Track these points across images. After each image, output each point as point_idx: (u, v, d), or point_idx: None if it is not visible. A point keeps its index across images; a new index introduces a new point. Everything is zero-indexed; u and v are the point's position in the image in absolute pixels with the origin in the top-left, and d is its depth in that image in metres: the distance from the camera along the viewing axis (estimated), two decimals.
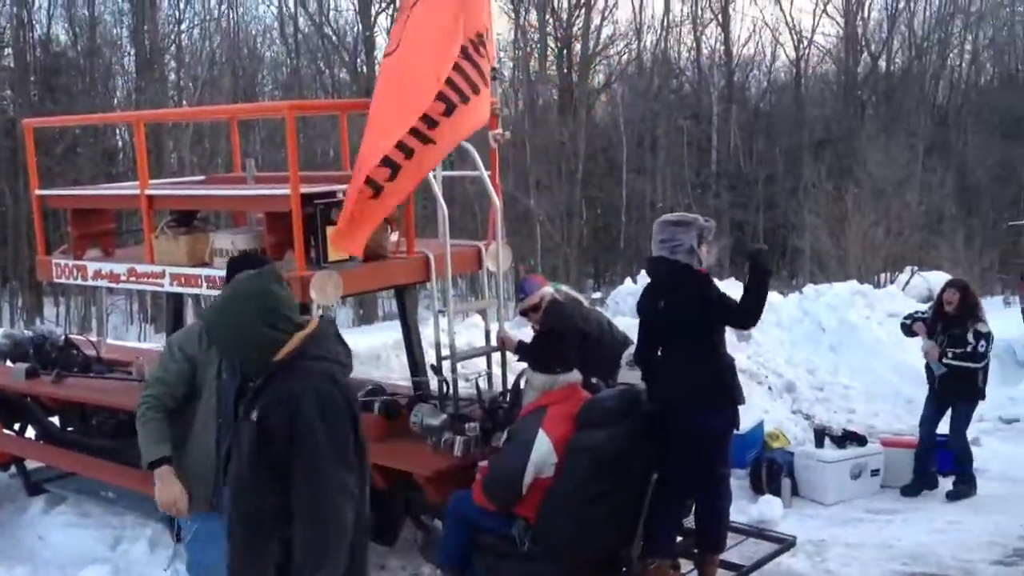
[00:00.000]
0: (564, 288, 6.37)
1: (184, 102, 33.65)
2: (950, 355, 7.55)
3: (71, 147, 30.89)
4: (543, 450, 4.81)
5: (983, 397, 7.69)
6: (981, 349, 7.46)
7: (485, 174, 6.26)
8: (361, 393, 5.94)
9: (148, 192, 6.37)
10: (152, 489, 6.40)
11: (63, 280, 6.95)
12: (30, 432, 7.75)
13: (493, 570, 5.00)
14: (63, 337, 7.97)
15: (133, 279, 6.45)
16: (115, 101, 34.08)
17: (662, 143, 35.57)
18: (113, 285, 6.67)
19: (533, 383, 5.03)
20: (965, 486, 7.51)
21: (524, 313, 6.23)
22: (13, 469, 7.45)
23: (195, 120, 27.49)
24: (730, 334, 10.24)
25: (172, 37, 35.45)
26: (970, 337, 7.47)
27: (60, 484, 7.18)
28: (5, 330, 9.18)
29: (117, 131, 32.65)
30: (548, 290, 6.22)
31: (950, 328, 7.62)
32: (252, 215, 6.69)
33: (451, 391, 6.03)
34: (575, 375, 5.08)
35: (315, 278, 5.48)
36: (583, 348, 5.79)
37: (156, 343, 19.55)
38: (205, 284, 6.06)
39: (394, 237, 6.39)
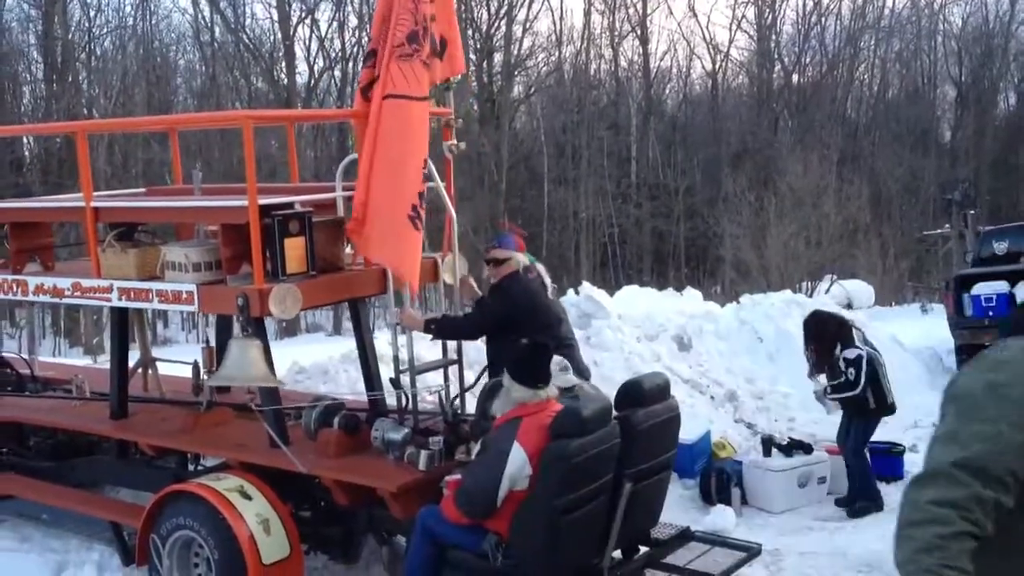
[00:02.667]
0: (540, 266, 6.30)
1: (95, 112, 32.75)
2: (829, 390, 7.65)
3: None
4: (518, 462, 4.76)
5: (889, 412, 7.70)
6: (851, 376, 7.47)
7: (441, 185, 6.21)
8: (319, 408, 5.85)
9: (94, 204, 6.18)
10: (97, 511, 6.25)
11: (0, 296, 6.67)
12: None
13: None
14: None
15: (78, 294, 6.23)
16: (21, 110, 33.02)
17: (583, 154, 35.86)
18: (57, 300, 6.44)
19: (511, 395, 4.97)
20: (867, 502, 7.50)
21: (487, 262, 6.14)
22: None
23: (135, 131, 26.62)
24: (671, 344, 10.41)
25: (83, 45, 34.49)
26: (841, 366, 7.54)
27: None
28: None
29: (25, 141, 31.65)
30: (522, 258, 6.15)
31: (826, 362, 7.71)
32: (200, 227, 6.52)
33: (412, 405, 5.96)
34: (552, 389, 5.05)
35: (274, 291, 5.37)
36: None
37: (73, 358, 18.96)
38: (156, 298, 5.89)
39: (349, 249, 6.31)
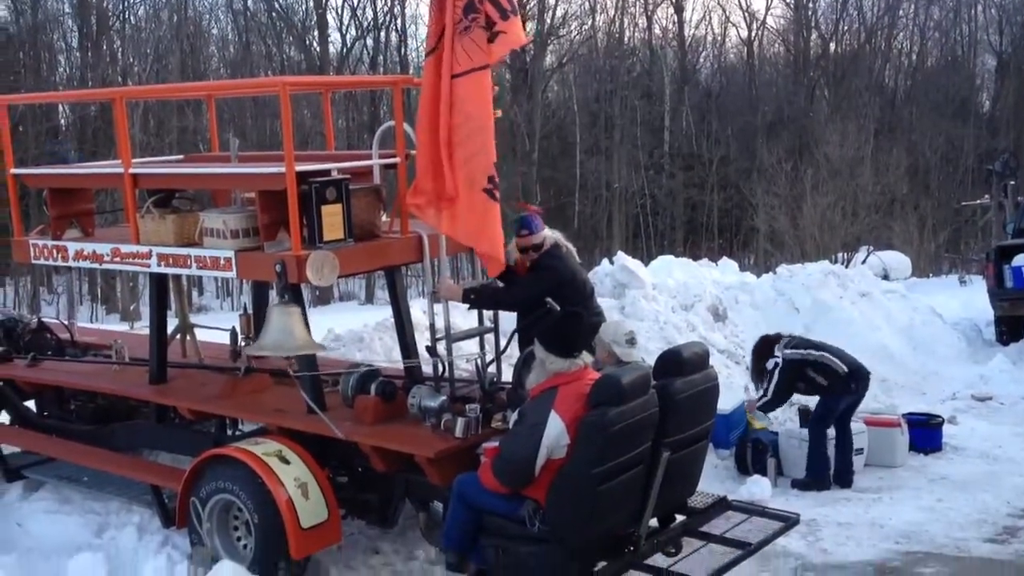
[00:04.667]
0: (558, 235, 6.28)
1: (129, 81, 32.90)
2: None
3: (14, 125, 30.00)
4: (555, 432, 4.75)
5: (854, 379, 7.52)
6: (759, 392, 7.71)
7: None
8: (356, 375, 5.87)
9: (132, 171, 6.20)
10: (137, 474, 6.31)
11: (41, 261, 6.73)
12: (3, 417, 7.54)
13: (502, 552, 4.93)
14: (36, 320, 7.76)
15: (117, 259, 6.28)
16: (56, 78, 33.25)
17: (616, 123, 35.59)
18: (96, 266, 6.48)
19: (547, 365, 4.95)
20: (811, 479, 7.43)
21: (524, 250, 6.08)
22: None
23: (172, 98, 26.69)
24: (706, 314, 10.35)
25: (117, 14, 34.61)
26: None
27: (39, 470, 6.98)
28: None
29: (61, 108, 31.90)
30: (550, 234, 6.13)
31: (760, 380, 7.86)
32: (237, 194, 6.51)
33: (448, 372, 5.96)
34: (587, 357, 5.03)
35: (311, 258, 5.37)
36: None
37: (110, 324, 19.18)
38: (195, 264, 5.92)
39: (385, 217, 6.29)
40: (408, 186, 5.86)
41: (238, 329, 6.82)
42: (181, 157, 8.01)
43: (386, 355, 8.35)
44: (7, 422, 7.49)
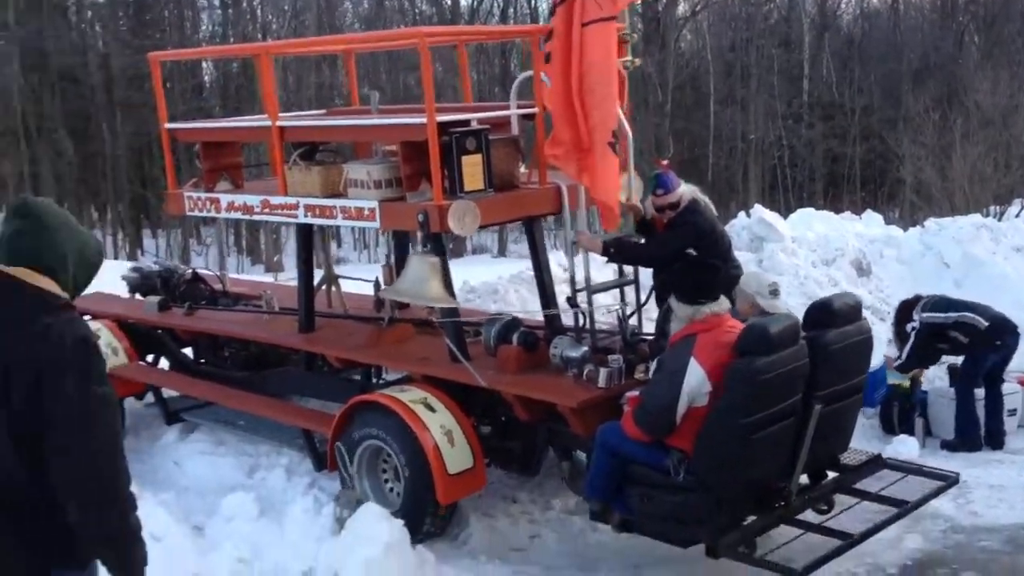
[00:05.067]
0: (696, 190, 6.14)
1: (268, 38, 33.73)
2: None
3: (163, 82, 31.15)
4: (695, 379, 4.69)
5: (998, 334, 7.25)
6: (898, 354, 7.57)
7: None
8: (498, 324, 5.91)
9: (279, 124, 6.35)
10: (290, 418, 6.52)
11: (195, 213, 6.98)
12: (164, 363, 7.90)
13: (646, 501, 4.92)
14: (190, 271, 8.08)
15: (267, 211, 6.46)
16: (200, 35, 34.34)
17: (752, 72, 34.61)
18: (247, 217, 6.69)
19: (678, 313, 4.91)
20: (958, 440, 7.21)
21: (660, 209, 5.99)
22: (148, 399, 7.60)
23: (313, 52, 27.31)
24: (849, 269, 10.02)
25: None
26: None
27: (196, 413, 7.30)
28: (133, 264, 9.34)
29: (204, 66, 32.99)
30: (687, 190, 6.01)
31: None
32: (378, 146, 6.60)
33: (589, 323, 5.95)
34: (722, 304, 4.94)
35: (453, 208, 5.41)
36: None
37: (255, 275, 19.84)
38: (340, 215, 6.04)
39: (524, 168, 6.28)
40: (546, 137, 5.83)
41: (381, 280, 6.94)
42: (323, 112, 8.17)
43: (521, 307, 8.40)
44: (167, 368, 7.86)
